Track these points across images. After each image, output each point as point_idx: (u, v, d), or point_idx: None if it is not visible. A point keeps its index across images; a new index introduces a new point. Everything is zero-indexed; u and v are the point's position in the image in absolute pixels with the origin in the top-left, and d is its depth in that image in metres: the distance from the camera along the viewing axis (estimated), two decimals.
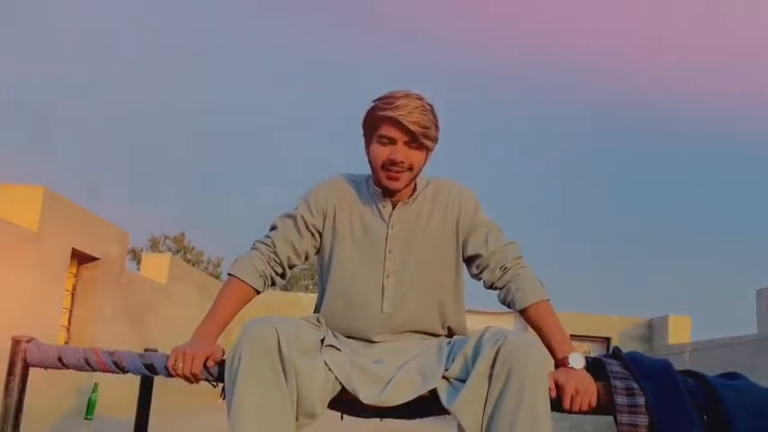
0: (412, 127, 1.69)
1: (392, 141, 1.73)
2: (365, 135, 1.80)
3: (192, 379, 1.62)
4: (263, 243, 1.85)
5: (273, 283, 1.87)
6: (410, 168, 1.74)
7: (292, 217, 1.85)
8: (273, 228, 1.87)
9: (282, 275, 1.86)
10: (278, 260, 1.83)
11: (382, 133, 1.73)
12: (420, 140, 1.72)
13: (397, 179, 1.75)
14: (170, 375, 1.66)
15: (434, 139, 1.76)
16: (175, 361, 1.62)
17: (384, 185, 1.77)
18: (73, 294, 7.57)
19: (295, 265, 1.88)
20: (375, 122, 1.75)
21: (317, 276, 1.95)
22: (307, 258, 1.88)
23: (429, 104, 1.75)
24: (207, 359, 1.62)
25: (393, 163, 1.73)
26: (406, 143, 1.72)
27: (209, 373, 1.64)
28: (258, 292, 1.82)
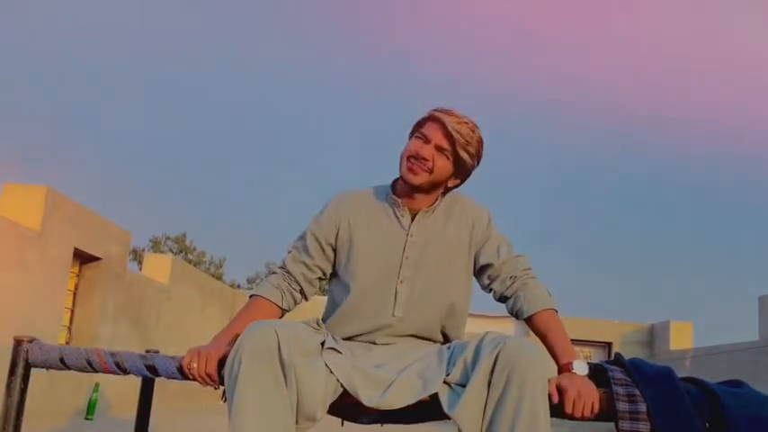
0: (454, 133, 1.74)
1: (427, 141, 1.77)
2: (409, 135, 1.85)
3: (208, 380, 1.61)
4: (278, 267, 1.91)
5: (294, 300, 1.89)
6: (431, 171, 1.77)
7: (302, 238, 1.90)
8: (288, 252, 1.91)
9: (302, 291, 1.89)
10: (292, 279, 1.87)
11: (423, 131, 1.79)
12: (455, 148, 1.76)
13: (415, 173, 1.77)
14: (185, 377, 1.64)
15: (470, 157, 1.79)
16: (190, 361, 1.61)
17: (402, 176, 1.80)
18: (75, 294, 7.58)
19: (314, 278, 1.89)
20: (423, 121, 1.81)
21: (329, 281, 1.96)
22: (324, 273, 1.90)
23: (480, 135, 1.81)
24: (223, 361, 1.60)
25: (418, 157, 1.76)
26: (438, 147, 1.76)
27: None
28: (281, 309, 1.84)
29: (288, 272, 1.87)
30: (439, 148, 1.76)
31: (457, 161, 1.79)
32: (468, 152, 1.78)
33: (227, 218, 36.28)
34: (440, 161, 1.77)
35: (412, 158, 1.77)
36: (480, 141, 1.82)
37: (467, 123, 1.77)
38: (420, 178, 1.78)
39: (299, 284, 1.87)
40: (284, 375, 1.50)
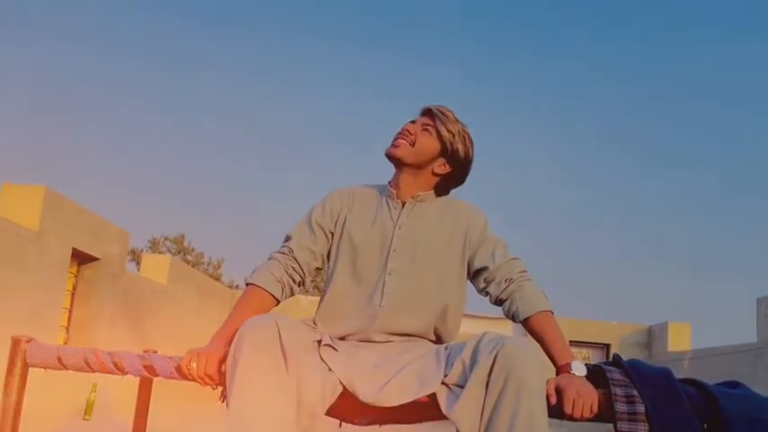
0: (435, 110, 1.85)
1: (414, 122, 1.88)
2: None
3: (208, 380, 1.60)
4: (280, 252, 1.88)
5: (292, 292, 1.88)
6: (413, 143, 1.84)
7: (306, 221, 1.90)
8: (289, 238, 1.90)
9: (301, 283, 1.89)
10: (296, 266, 1.86)
11: (415, 118, 1.90)
12: (435, 123, 1.83)
13: (396, 146, 1.85)
14: (183, 377, 1.63)
15: (451, 136, 1.84)
16: (190, 361, 1.61)
17: (386, 154, 1.87)
18: (73, 294, 7.57)
19: (315, 269, 1.91)
20: None
21: (325, 275, 1.97)
22: (323, 263, 1.91)
23: (467, 130, 1.88)
24: (223, 361, 1.59)
25: (402, 131, 1.86)
26: (423, 125, 1.86)
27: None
28: (277, 300, 1.83)
29: (294, 258, 1.85)
30: (423, 125, 1.86)
31: (440, 139, 1.84)
32: (448, 130, 1.83)
33: (226, 218, 36.30)
34: (423, 137, 1.84)
35: (397, 134, 1.86)
36: (467, 135, 1.87)
37: (453, 113, 1.87)
38: (401, 150, 1.84)
39: (301, 274, 1.87)
40: (286, 366, 1.51)
